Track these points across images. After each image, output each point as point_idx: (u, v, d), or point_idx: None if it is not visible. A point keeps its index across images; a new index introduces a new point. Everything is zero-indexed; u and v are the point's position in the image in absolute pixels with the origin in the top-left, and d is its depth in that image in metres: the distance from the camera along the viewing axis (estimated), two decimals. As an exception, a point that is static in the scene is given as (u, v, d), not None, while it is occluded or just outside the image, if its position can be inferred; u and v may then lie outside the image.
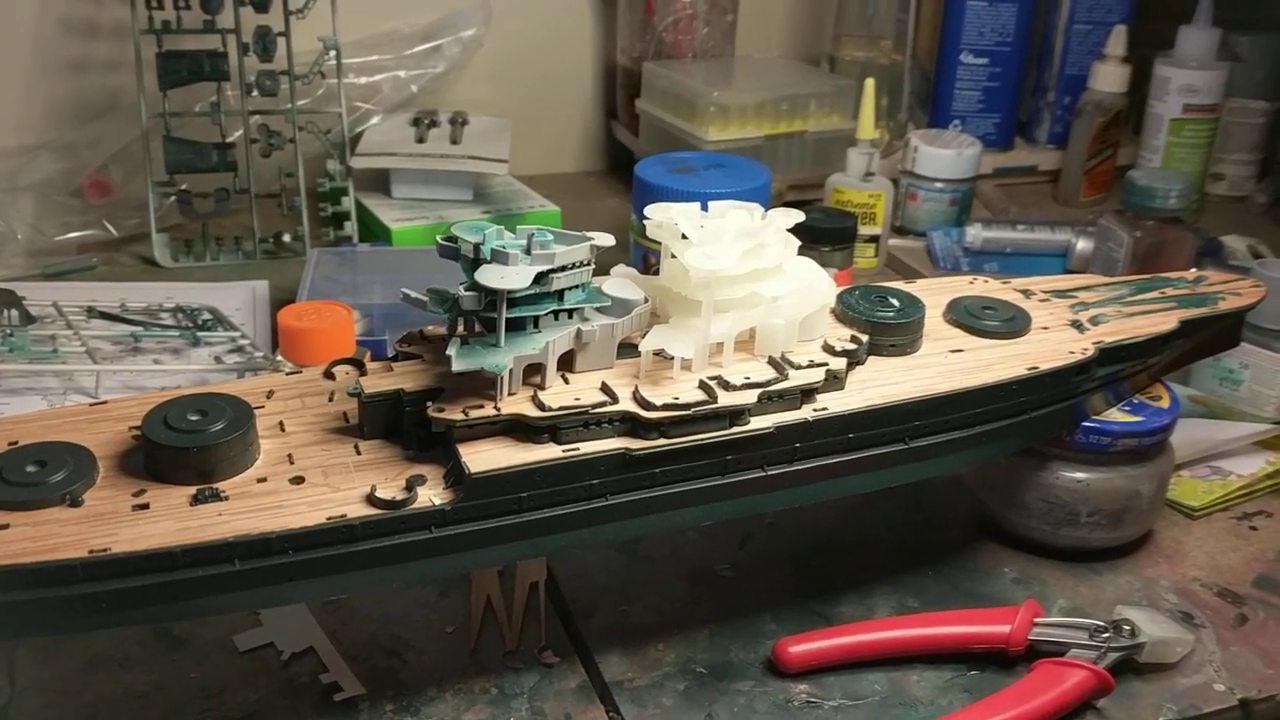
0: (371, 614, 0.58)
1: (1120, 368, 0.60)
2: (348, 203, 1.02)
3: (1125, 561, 0.64)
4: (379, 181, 1.06)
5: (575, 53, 1.26)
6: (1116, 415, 0.61)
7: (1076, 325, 0.60)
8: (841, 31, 1.21)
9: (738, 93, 1.07)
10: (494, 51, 1.19)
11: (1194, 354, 0.67)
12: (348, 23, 1.03)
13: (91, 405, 0.51)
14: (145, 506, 0.44)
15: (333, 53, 1.00)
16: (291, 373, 0.54)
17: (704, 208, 0.54)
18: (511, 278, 0.47)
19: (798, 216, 0.54)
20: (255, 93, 0.98)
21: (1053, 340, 0.59)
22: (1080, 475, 0.62)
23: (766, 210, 0.87)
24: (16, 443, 0.47)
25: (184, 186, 1.00)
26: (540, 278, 0.48)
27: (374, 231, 1.02)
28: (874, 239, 1.01)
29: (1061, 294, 0.64)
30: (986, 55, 1.19)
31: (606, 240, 0.50)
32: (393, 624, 0.57)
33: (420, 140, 1.07)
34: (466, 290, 0.47)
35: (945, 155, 1.04)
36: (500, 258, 0.47)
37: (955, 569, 0.63)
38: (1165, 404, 0.63)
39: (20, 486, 0.44)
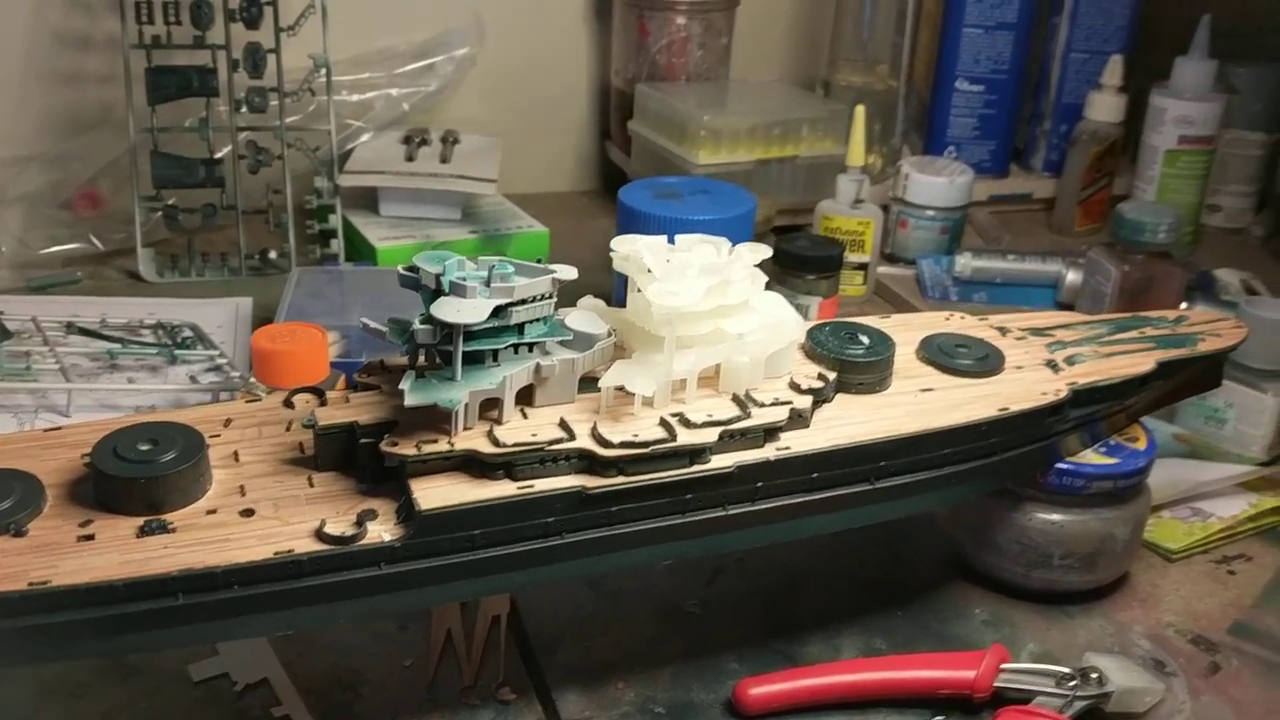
0: (330, 645, 0.57)
1: (1096, 409, 0.59)
2: (335, 220, 1.02)
3: (1099, 605, 0.63)
4: (368, 199, 1.06)
5: (570, 73, 1.26)
6: (1091, 457, 0.60)
7: (1051, 365, 0.59)
8: (837, 55, 1.21)
9: (729, 116, 1.07)
10: (488, 70, 1.18)
11: (1174, 395, 0.66)
12: (341, 40, 1.03)
13: (46, 431, 0.50)
14: (90, 538, 0.44)
15: (323, 70, 0.99)
16: (251, 400, 0.54)
17: (671, 240, 0.53)
18: (468, 311, 0.46)
19: (765, 252, 0.54)
20: (244, 109, 0.98)
21: (1026, 380, 0.58)
22: (1053, 517, 0.61)
23: (751, 236, 0.87)
24: (-34, 469, 0.47)
25: (171, 201, 0.99)
26: (500, 311, 0.47)
27: (361, 250, 1.02)
28: (862, 266, 1.00)
29: (1039, 332, 0.63)
30: (982, 82, 1.18)
31: (569, 273, 0.50)
32: (351, 656, 0.57)
33: (410, 159, 1.07)
34: (422, 323, 0.47)
35: (937, 183, 1.03)
36: (459, 290, 0.47)
37: (925, 609, 0.62)
38: (1142, 445, 0.62)
39: (-36, 515, 0.44)
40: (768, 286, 0.88)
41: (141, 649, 0.44)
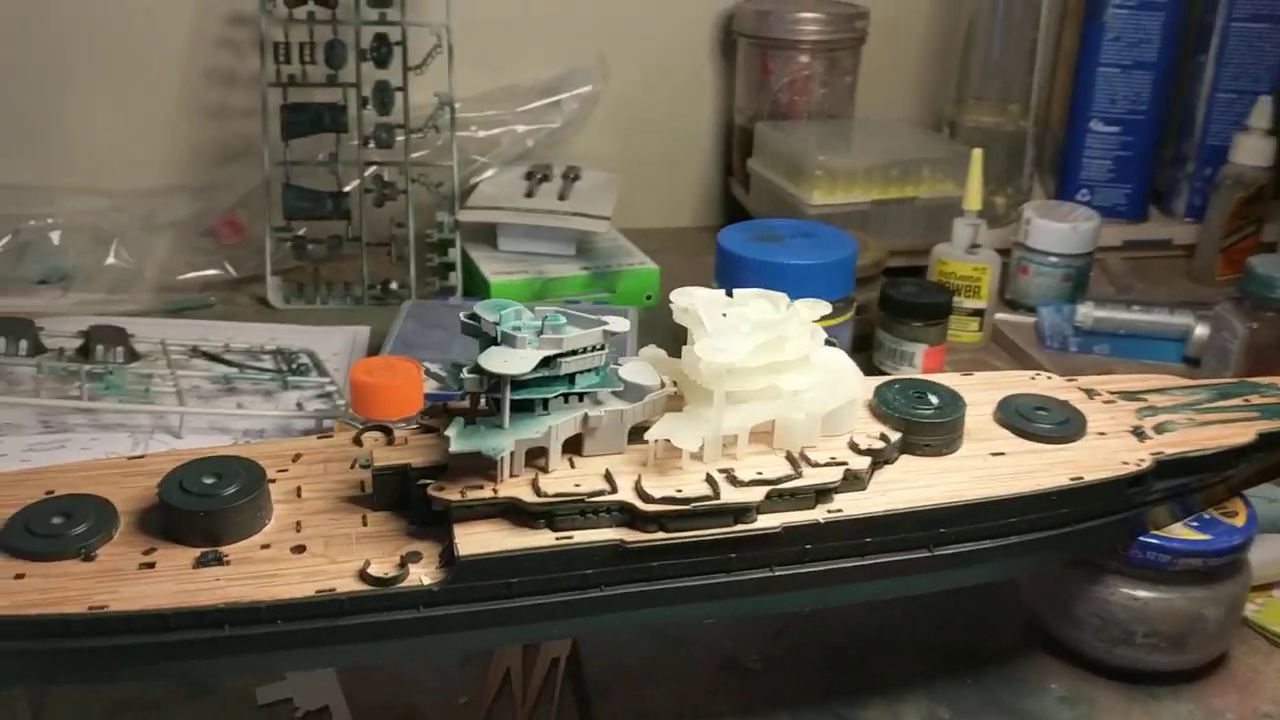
0: (390, 677, 0.58)
1: (1187, 480, 0.56)
2: (453, 254, 1.04)
3: (1191, 688, 0.60)
4: (489, 234, 1.09)
5: (694, 109, 1.27)
6: (1181, 531, 0.57)
7: (1138, 433, 0.56)
8: (965, 95, 1.18)
9: (846, 157, 1.05)
10: (612, 107, 1.20)
11: (1281, 468, 0.62)
12: (468, 78, 1.06)
13: (129, 459, 0.53)
14: (151, 565, 0.46)
15: (448, 107, 1.03)
16: (324, 436, 0.56)
17: (729, 294, 0.53)
18: (515, 362, 0.47)
19: (824, 308, 0.53)
20: (372, 144, 1.02)
21: (1107, 448, 0.55)
22: (1138, 593, 0.58)
23: (853, 280, 0.85)
24: (53, 492, 0.50)
25: (300, 232, 1.04)
26: (549, 361, 0.48)
27: (478, 284, 1.04)
28: (978, 313, 0.97)
29: (1131, 396, 0.60)
30: (1118, 123, 1.14)
31: (621, 325, 0.50)
32: (409, 689, 0.58)
33: (529, 194, 1.09)
34: (469, 372, 0.48)
35: (1059, 229, 0.99)
36: (509, 340, 0.48)
37: (998, 679, 0.60)
38: (1240, 522, 0.58)
39: (41, 538, 0.46)
40: (872, 331, 0.86)
41: (190, 676, 0.46)
